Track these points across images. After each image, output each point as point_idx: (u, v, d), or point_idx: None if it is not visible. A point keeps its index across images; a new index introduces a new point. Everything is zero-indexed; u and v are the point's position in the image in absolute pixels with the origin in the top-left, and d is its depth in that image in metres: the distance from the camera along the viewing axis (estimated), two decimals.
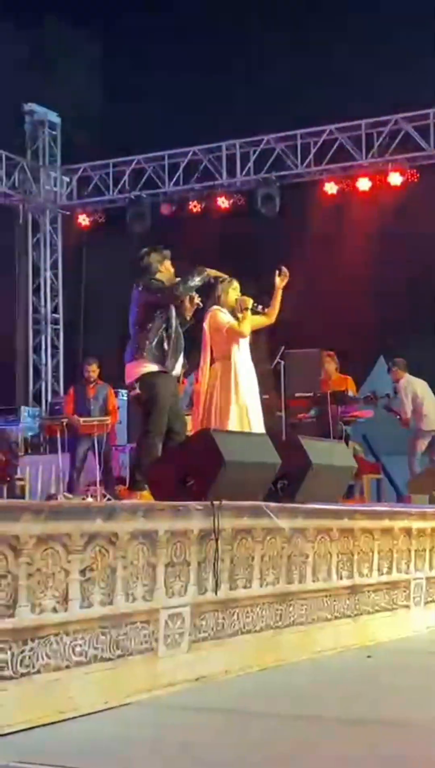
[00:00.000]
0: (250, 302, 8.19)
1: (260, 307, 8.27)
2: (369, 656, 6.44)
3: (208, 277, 7.96)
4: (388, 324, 14.75)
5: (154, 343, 7.67)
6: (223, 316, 8.17)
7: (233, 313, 8.22)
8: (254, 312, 8.24)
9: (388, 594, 7.16)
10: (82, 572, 4.65)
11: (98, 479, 12.05)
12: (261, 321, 8.41)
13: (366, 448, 13.33)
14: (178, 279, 7.84)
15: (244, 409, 8.00)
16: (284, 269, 8.42)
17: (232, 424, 7.82)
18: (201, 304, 8.03)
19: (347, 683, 5.66)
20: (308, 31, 14.88)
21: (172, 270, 8.00)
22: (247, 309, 8.17)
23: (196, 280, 7.83)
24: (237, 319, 8.16)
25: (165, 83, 15.48)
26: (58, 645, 4.50)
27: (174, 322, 7.80)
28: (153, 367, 7.69)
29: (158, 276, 7.89)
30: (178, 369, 7.94)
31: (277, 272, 8.41)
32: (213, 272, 8.00)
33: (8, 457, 13.48)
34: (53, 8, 15.70)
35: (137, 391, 7.79)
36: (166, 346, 7.68)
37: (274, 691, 5.36)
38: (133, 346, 7.77)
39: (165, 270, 7.94)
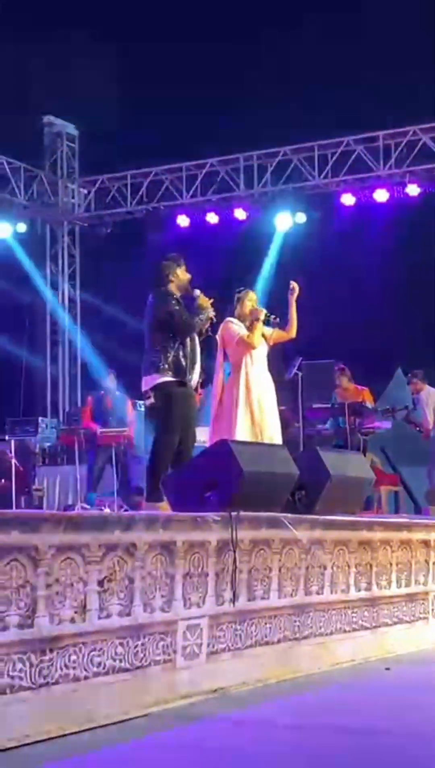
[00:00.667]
0: (263, 313, 8.19)
1: (274, 317, 8.27)
2: (387, 668, 6.41)
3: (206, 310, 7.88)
4: (406, 336, 14.73)
5: (171, 355, 7.66)
6: (235, 327, 8.17)
7: (251, 324, 8.22)
8: (268, 323, 8.24)
9: (407, 606, 7.14)
10: (101, 583, 4.66)
11: (116, 490, 12.06)
12: (281, 335, 8.42)
13: (384, 460, 13.28)
14: (191, 320, 7.73)
15: (255, 421, 7.98)
16: (293, 284, 8.43)
17: (241, 436, 7.81)
18: (214, 319, 8.00)
19: (366, 695, 5.64)
20: (326, 42, 14.89)
21: (186, 277, 7.95)
22: (258, 320, 8.16)
23: (201, 319, 7.79)
24: (250, 330, 8.16)
25: (182, 95, 15.53)
26: (76, 656, 4.51)
27: (194, 333, 7.80)
28: (169, 378, 7.68)
29: (170, 286, 7.86)
30: (194, 380, 7.92)
31: (289, 289, 8.42)
32: (205, 303, 7.90)
33: (26, 468, 13.49)
34: (72, 21, 15.78)
35: (152, 400, 7.79)
36: (182, 358, 7.67)
37: (292, 702, 5.34)
38: (149, 358, 7.75)
39: (176, 278, 7.90)
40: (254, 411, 8.05)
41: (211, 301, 7.84)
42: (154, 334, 7.77)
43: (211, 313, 7.82)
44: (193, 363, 7.80)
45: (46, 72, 15.92)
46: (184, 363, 7.67)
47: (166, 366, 7.65)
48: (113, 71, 16.08)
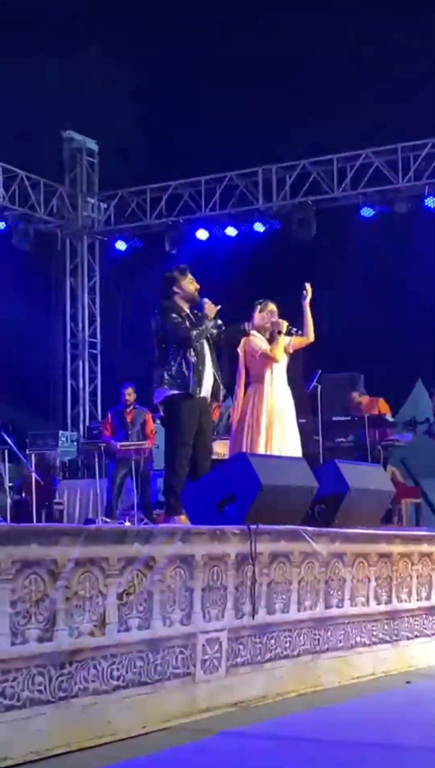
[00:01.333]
0: (284, 325, 8.19)
1: (295, 330, 8.27)
2: (408, 682, 6.38)
3: (211, 319, 7.85)
4: (427, 348, 14.69)
5: (174, 368, 7.64)
6: (257, 341, 8.18)
7: (272, 336, 8.22)
8: (289, 334, 8.24)
9: (427, 619, 7.09)
10: (120, 596, 4.66)
11: (136, 503, 12.07)
12: (301, 341, 8.41)
13: (404, 472, 13.23)
14: (192, 331, 7.70)
15: (275, 434, 7.97)
16: (307, 286, 8.41)
17: (261, 449, 7.80)
18: (223, 327, 7.95)
19: (387, 709, 5.61)
20: (343, 55, 14.92)
21: (193, 287, 7.89)
22: (280, 332, 8.17)
23: (207, 324, 7.77)
24: (271, 342, 8.17)
25: (201, 109, 15.57)
26: (96, 669, 4.51)
27: (193, 347, 7.74)
28: (174, 391, 7.68)
29: (175, 299, 7.83)
30: (204, 391, 7.85)
31: (302, 293, 8.41)
32: (211, 310, 7.88)
33: (47, 482, 13.52)
34: (91, 36, 15.87)
35: (161, 413, 7.83)
36: (185, 370, 7.63)
37: (312, 717, 5.32)
38: (155, 372, 7.75)
39: (181, 289, 7.86)
40: (275, 424, 8.04)
41: (218, 308, 7.81)
42: (157, 348, 7.77)
43: (214, 321, 7.78)
44: (201, 374, 7.73)
45: (65, 87, 16.01)
46: (187, 375, 7.62)
47: (170, 379, 7.64)
48: (132, 86, 16.16)
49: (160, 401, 7.76)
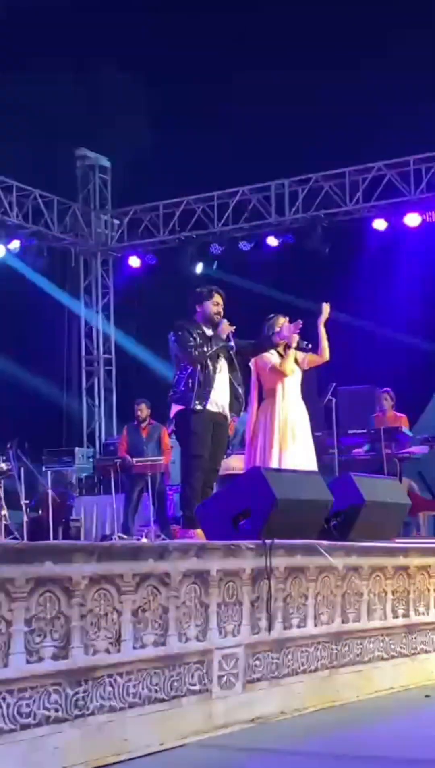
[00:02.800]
0: (295, 339, 8.17)
1: (306, 343, 8.25)
2: (428, 696, 6.34)
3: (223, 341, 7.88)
4: None
5: (184, 383, 7.70)
6: (268, 356, 8.18)
7: (284, 351, 8.22)
8: (300, 349, 8.23)
9: None
10: (135, 613, 4.65)
11: (152, 519, 12.05)
12: (315, 359, 8.40)
13: (422, 485, 13.17)
14: (196, 352, 7.73)
15: (288, 448, 7.95)
16: (325, 306, 8.41)
17: (274, 464, 7.79)
18: (234, 347, 7.95)
19: (407, 724, 5.58)
20: (355, 67, 14.94)
21: (215, 309, 7.90)
22: (290, 347, 8.15)
23: (218, 346, 7.79)
24: (283, 356, 8.16)
25: (212, 124, 15.60)
26: (112, 686, 4.50)
27: (208, 362, 7.75)
28: (184, 406, 7.70)
29: (195, 317, 7.88)
30: (214, 405, 7.81)
31: (320, 312, 8.41)
32: (225, 331, 7.90)
33: (63, 499, 13.52)
34: (103, 54, 15.94)
35: (173, 428, 7.86)
36: (196, 386, 7.67)
37: (331, 732, 5.29)
38: (173, 386, 7.83)
39: (202, 308, 7.90)
40: (287, 438, 8.03)
41: (233, 329, 7.84)
42: (176, 361, 7.85)
43: (226, 342, 7.80)
44: (209, 389, 7.72)
45: (78, 105, 16.08)
46: (197, 390, 7.66)
47: (181, 395, 7.69)
48: (144, 103, 16.22)
49: (172, 416, 7.81)
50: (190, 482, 7.66)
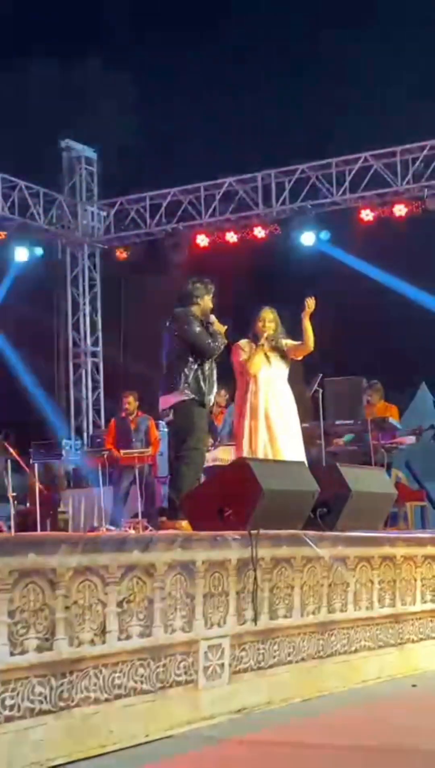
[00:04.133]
0: (263, 337, 8.05)
1: (272, 338, 8.10)
2: (414, 685, 6.35)
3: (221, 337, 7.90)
4: (429, 350, 14.67)
5: (191, 374, 7.67)
6: (239, 351, 8.08)
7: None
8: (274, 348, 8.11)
9: (432, 622, 7.06)
10: (120, 604, 4.64)
11: (140, 511, 12.03)
12: (299, 349, 8.33)
13: (409, 475, 13.18)
14: (212, 343, 7.75)
15: (276, 438, 7.91)
16: (309, 300, 8.34)
17: (260, 454, 7.75)
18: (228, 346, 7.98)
19: (394, 713, 5.58)
20: (341, 61, 14.92)
21: (210, 305, 7.95)
22: (260, 345, 8.04)
23: (219, 346, 7.83)
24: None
25: (199, 115, 15.58)
26: (97, 678, 4.49)
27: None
28: (188, 397, 7.67)
29: (193, 309, 7.87)
30: (211, 397, 7.92)
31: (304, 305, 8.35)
32: (220, 329, 7.92)
33: (51, 491, 13.49)
34: (89, 46, 15.90)
35: (171, 418, 7.76)
36: (201, 379, 7.68)
37: (318, 722, 5.29)
38: (169, 377, 7.74)
39: (202, 302, 7.92)
40: (272, 429, 7.96)
41: (226, 328, 7.85)
42: (175, 353, 7.76)
43: (224, 340, 7.84)
44: (212, 385, 7.80)
45: (63, 96, 16.04)
46: (203, 384, 7.68)
47: (187, 385, 7.65)
48: (130, 94, 16.19)
49: (170, 406, 7.72)
50: (186, 475, 7.58)
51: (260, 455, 7.68)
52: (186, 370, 7.67)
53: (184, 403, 7.67)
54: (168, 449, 13.68)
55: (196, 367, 7.69)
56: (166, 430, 13.52)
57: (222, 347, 7.84)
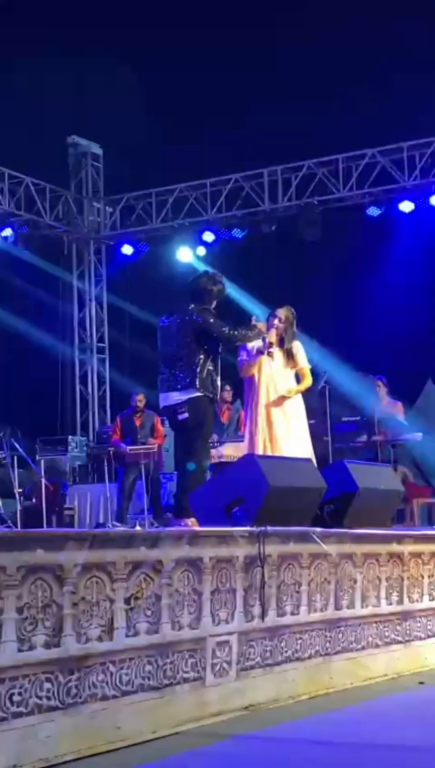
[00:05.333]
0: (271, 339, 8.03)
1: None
2: (421, 682, 6.34)
3: (261, 335, 7.91)
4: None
5: (205, 370, 7.64)
6: (243, 353, 8.10)
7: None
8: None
9: None
10: (127, 600, 4.63)
11: (146, 507, 12.04)
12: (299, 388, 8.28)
13: (416, 472, 13.18)
14: (235, 331, 7.76)
15: (281, 436, 7.89)
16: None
17: (268, 452, 7.74)
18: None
19: (401, 710, 5.57)
20: (346, 54, 14.88)
21: (221, 300, 7.97)
22: (260, 353, 8.02)
23: (250, 335, 7.82)
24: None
25: (204, 111, 15.54)
26: (104, 674, 4.49)
27: (219, 350, 7.80)
28: (202, 393, 7.64)
29: (208, 304, 7.86)
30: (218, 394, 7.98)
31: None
32: (262, 327, 7.95)
33: (57, 487, 13.50)
34: (95, 41, 15.85)
35: (186, 414, 7.69)
36: (215, 375, 7.67)
37: (325, 718, 5.28)
38: (184, 372, 7.68)
39: (216, 298, 7.91)
40: (280, 426, 7.95)
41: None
42: (189, 348, 7.73)
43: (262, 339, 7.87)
44: (222, 378, 7.82)
45: (70, 92, 16.00)
46: (216, 380, 7.67)
47: (200, 381, 7.62)
48: (136, 90, 16.14)
49: (185, 401, 7.67)
50: (196, 473, 7.55)
51: (259, 451, 7.69)
52: (201, 365, 7.64)
53: (199, 399, 7.64)
54: (174, 446, 13.79)
55: (209, 362, 7.66)
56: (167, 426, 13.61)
57: (250, 334, 7.82)
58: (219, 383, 7.79)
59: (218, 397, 7.93)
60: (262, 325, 7.92)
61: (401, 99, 14.31)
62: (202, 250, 16.42)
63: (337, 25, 15.13)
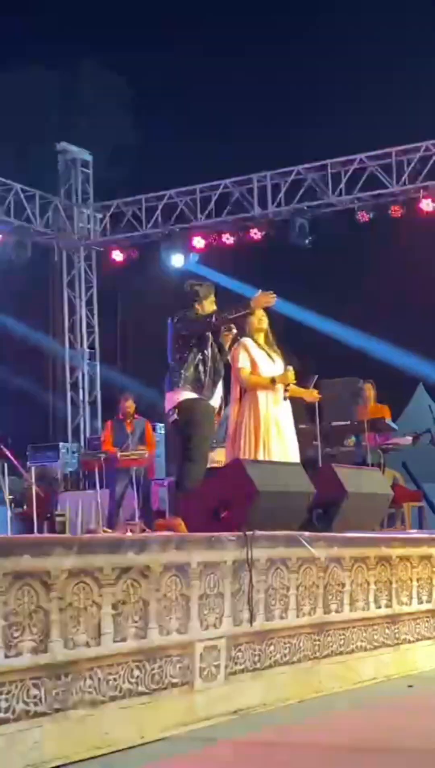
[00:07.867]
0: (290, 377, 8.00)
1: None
2: (410, 686, 6.34)
3: (248, 311, 7.84)
4: (427, 352, 14.68)
5: (190, 372, 7.60)
6: (239, 356, 7.99)
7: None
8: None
9: (429, 622, 7.06)
10: (115, 606, 4.63)
11: (137, 514, 12.04)
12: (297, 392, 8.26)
13: (406, 476, 13.19)
14: (215, 310, 7.75)
15: (272, 441, 7.87)
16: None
17: (260, 457, 7.71)
18: (239, 338, 7.92)
19: (390, 714, 5.58)
20: (334, 59, 14.93)
21: (212, 308, 7.87)
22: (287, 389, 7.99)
23: (234, 313, 7.74)
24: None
25: (194, 117, 15.58)
26: (92, 680, 4.48)
27: (209, 351, 7.72)
28: (191, 395, 7.61)
29: (195, 307, 7.83)
30: (216, 400, 7.82)
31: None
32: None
33: (48, 494, 13.49)
34: (84, 48, 15.89)
35: (175, 417, 7.66)
36: (202, 375, 7.58)
37: (314, 722, 5.28)
38: (171, 376, 7.70)
39: (207, 304, 7.87)
40: (270, 431, 7.92)
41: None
42: (173, 349, 7.75)
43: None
44: (214, 381, 7.70)
45: (59, 99, 16.03)
46: (203, 378, 7.58)
47: (185, 381, 7.57)
48: (125, 96, 16.17)
49: (174, 405, 7.64)
50: (191, 477, 7.40)
51: (247, 456, 7.65)
52: (186, 367, 7.61)
53: (187, 402, 7.60)
54: (166, 451, 13.78)
55: (195, 359, 7.61)
56: (162, 432, 13.61)
57: (213, 322, 7.68)
58: (214, 383, 7.67)
59: (209, 398, 7.67)
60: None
61: (389, 104, 14.37)
62: (192, 256, 16.45)
63: (327, 31, 15.19)
